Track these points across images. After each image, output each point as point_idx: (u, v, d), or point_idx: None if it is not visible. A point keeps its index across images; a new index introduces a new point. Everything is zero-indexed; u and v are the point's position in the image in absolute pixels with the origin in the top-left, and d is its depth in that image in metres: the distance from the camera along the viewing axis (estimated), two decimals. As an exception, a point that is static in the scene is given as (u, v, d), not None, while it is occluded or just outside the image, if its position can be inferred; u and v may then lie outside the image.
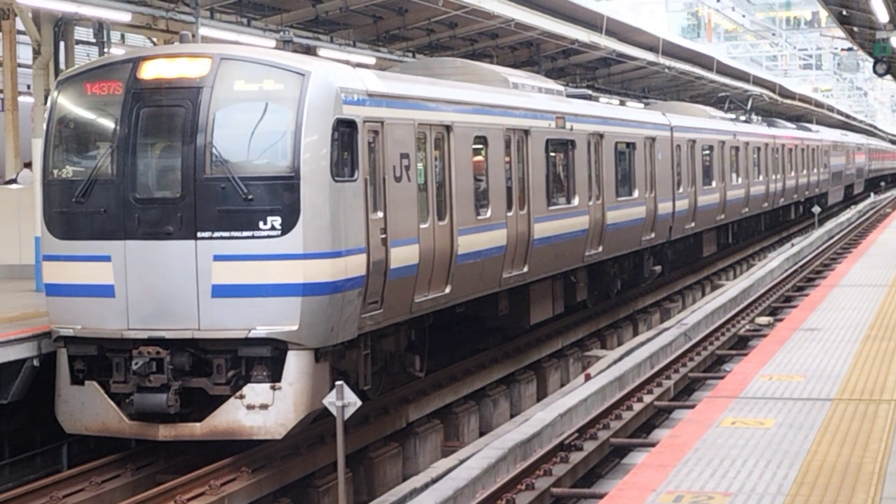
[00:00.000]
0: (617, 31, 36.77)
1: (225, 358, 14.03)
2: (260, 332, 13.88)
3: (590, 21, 34.36)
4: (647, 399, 17.61)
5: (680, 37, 60.70)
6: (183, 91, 14.27)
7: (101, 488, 13.98)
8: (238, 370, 14.09)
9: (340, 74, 15.04)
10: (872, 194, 77.21)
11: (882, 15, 30.97)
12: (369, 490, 16.17)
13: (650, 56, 41.54)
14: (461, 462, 14.34)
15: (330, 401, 12.21)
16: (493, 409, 20.50)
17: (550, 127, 21.89)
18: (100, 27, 23.03)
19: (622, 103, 44.58)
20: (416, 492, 13.77)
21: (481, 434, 19.12)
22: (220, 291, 13.96)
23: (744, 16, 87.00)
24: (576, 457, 14.57)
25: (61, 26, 21.76)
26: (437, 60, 23.35)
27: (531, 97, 21.92)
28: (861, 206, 63.36)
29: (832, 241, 42.17)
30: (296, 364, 13.94)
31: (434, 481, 13.81)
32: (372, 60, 28.50)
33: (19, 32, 23.87)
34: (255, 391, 13.93)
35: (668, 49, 42.74)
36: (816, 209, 49.79)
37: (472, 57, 31.58)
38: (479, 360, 21.22)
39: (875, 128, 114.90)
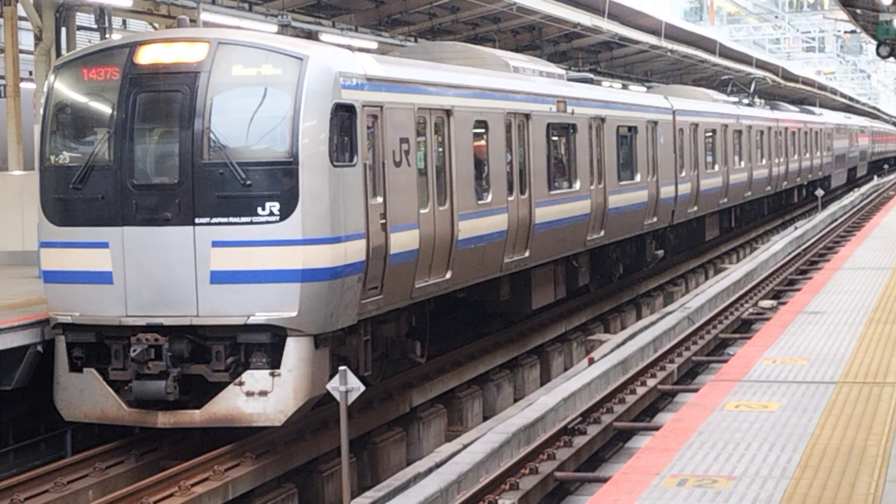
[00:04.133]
0: (619, 14, 36.64)
1: (224, 344, 13.94)
2: (259, 318, 13.79)
3: (592, 4, 34.23)
4: (651, 383, 17.57)
5: (682, 20, 60.51)
6: (180, 76, 14.15)
7: (105, 474, 13.95)
8: (237, 357, 14.01)
9: (339, 59, 14.92)
10: (876, 177, 77.03)
11: (885, -4, 30.83)
12: (373, 475, 16.15)
13: (653, 39, 41.39)
14: (465, 447, 14.29)
15: (333, 386, 12.14)
16: (496, 393, 20.46)
17: (552, 111, 21.77)
18: (101, 13, 23.00)
19: (625, 87, 44.47)
20: (420, 476, 13.72)
21: (485, 419, 19.06)
22: (219, 278, 13.87)
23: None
24: (579, 441, 14.52)
25: (63, 12, 21.73)
26: (438, 44, 23.21)
27: (532, 81, 21.80)
28: (864, 188, 63.15)
29: (835, 224, 42.12)
30: (295, 350, 13.86)
31: (438, 466, 13.78)
32: (374, 45, 28.42)
33: (21, 18, 23.79)
34: (255, 378, 13.85)
35: (671, 32, 42.59)
36: (820, 192, 49.69)
37: (474, 41, 31.46)
38: (483, 345, 21.15)
39: (878, 110, 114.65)
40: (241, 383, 13.86)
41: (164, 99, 14.23)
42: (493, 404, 20.16)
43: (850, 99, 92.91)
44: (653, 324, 22.51)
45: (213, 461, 13.91)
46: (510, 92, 20.12)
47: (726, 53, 51.83)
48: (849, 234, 35.51)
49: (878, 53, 36.04)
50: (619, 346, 20.45)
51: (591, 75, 27.61)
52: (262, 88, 14.15)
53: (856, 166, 73.39)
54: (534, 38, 35.91)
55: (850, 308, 16.72)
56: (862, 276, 20.36)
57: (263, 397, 13.80)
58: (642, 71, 50.51)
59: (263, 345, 13.90)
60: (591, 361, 19.15)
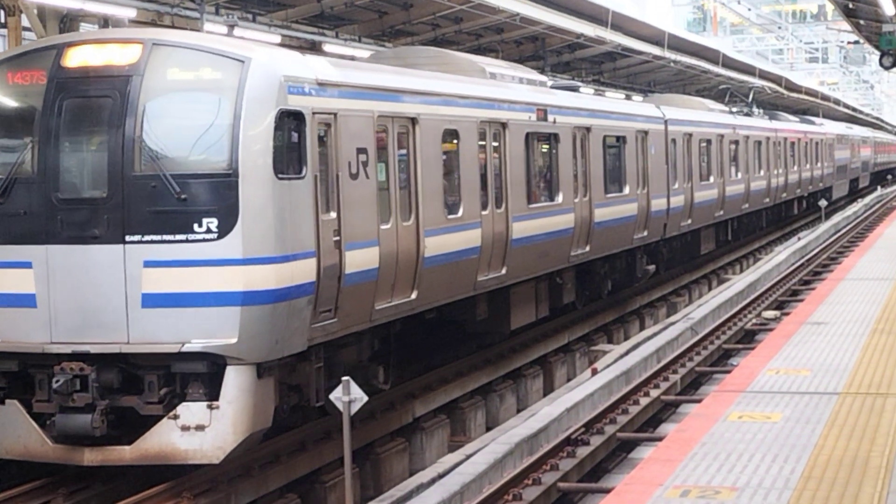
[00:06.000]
0: (622, 25, 36.13)
1: (157, 374, 12.77)
2: (195, 345, 12.62)
3: (595, 15, 33.83)
4: (654, 393, 17.52)
5: (685, 30, 59.90)
6: (111, 80, 13.03)
7: (108, 485, 13.54)
8: (172, 388, 12.84)
9: (285, 62, 13.76)
10: (879, 188, 76.18)
11: (888, 7, 30.67)
12: (376, 485, 15.99)
13: (656, 50, 40.94)
14: (468, 457, 14.27)
15: (336, 396, 11.86)
16: (499, 403, 20.31)
17: (531, 120, 20.59)
18: (105, 23, 22.61)
19: (628, 97, 43.86)
20: (422, 487, 13.56)
21: (488, 429, 18.79)
22: (151, 301, 12.71)
23: (749, 9, 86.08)
24: (582, 451, 14.53)
25: (66, 23, 21.50)
26: (411, 49, 22.10)
27: (510, 88, 20.60)
28: (867, 199, 62.67)
29: (838, 234, 42.04)
30: (235, 381, 12.68)
31: (441, 476, 13.67)
32: (377, 56, 27.93)
33: (25, 29, 23.17)
34: (191, 411, 12.67)
35: (674, 43, 42.07)
36: (823, 202, 49.05)
37: (477, 51, 30.84)
38: (486, 356, 20.77)
39: (881, 121, 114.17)
40: (175, 417, 12.69)
41: (92, 105, 13.10)
42: (495, 415, 20.02)
43: (853, 109, 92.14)
44: (656, 334, 22.53)
45: (216, 470, 13.31)
46: (484, 99, 18.93)
47: (729, 64, 51.20)
48: (852, 245, 35.54)
49: (882, 64, 36.19)
50: (622, 356, 20.30)
51: (578, 83, 26.65)
52: (200, 93, 13.02)
53: (858, 177, 72.51)
54: (537, 48, 35.62)
55: (854, 319, 16.83)
56: (865, 286, 20.60)
57: (200, 432, 12.63)
58: (645, 81, 49.94)
59: (200, 374, 12.73)
60: (595, 372, 18.94)
